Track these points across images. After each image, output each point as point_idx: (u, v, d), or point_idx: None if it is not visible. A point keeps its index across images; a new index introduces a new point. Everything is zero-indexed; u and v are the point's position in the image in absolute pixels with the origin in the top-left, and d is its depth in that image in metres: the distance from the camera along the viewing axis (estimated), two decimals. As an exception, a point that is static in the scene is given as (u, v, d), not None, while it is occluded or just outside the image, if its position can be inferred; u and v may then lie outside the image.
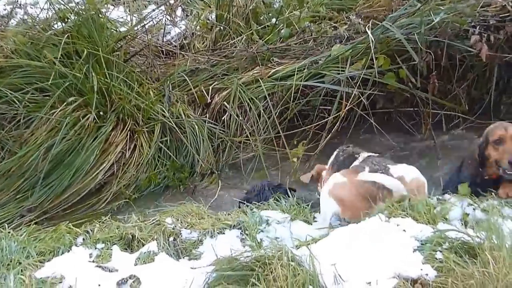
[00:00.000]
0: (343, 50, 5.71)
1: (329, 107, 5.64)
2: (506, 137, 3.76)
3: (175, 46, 6.80)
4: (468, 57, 5.65)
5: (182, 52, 6.56)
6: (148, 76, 6.18)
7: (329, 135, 5.45)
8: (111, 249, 3.64)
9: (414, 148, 5.67)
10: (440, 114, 5.77)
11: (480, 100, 5.94)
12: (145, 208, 4.98)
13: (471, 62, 5.73)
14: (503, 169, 3.75)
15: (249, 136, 5.72)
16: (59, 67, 5.38)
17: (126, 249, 3.69)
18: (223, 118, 5.83)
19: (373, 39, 5.36)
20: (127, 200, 5.23)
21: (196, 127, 5.66)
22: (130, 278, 3.29)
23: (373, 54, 5.35)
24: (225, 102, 5.84)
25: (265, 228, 3.77)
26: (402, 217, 3.32)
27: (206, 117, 5.83)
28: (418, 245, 3.05)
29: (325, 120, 5.56)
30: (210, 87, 5.95)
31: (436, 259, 2.95)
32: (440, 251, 2.98)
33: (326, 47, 5.98)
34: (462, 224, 3.42)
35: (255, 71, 5.96)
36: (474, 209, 3.57)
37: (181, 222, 3.96)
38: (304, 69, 5.73)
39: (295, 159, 5.37)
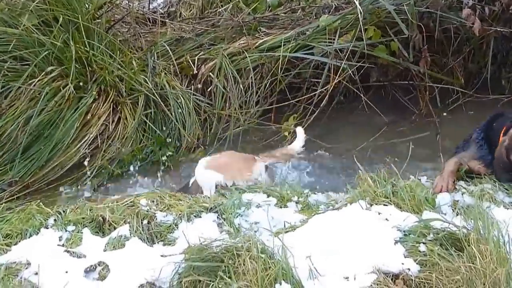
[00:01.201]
0: (331, 21, 5.49)
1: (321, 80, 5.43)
2: None
3: (162, 14, 6.55)
4: (463, 29, 5.43)
5: (166, 20, 6.31)
6: (131, 45, 5.93)
7: (318, 109, 5.29)
8: (82, 232, 3.47)
9: (412, 123, 5.48)
10: (437, 89, 5.56)
11: (479, 74, 5.72)
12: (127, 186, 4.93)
13: (466, 34, 5.49)
14: None
15: (237, 109, 5.50)
16: (37, 34, 5.15)
17: (97, 232, 3.51)
18: (209, 90, 5.61)
19: (361, 10, 5.12)
20: (110, 175, 5.09)
21: (182, 99, 5.45)
22: (99, 265, 3.19)
23: (361, 26, 5.14)
24: (211, 74, 5.61)
25: (244, 212, 3.55)
26: (384, 205, 3.13)
27: (191, 89, 5.60)
28: (400, 236, 2.89)
29: (314, 93, 5.38)
30: (196, 58, 5.71)
31: (420, 252, 2.80)
32: (424, 243, 2.83)
33: (315, 17, 5.78)
34: (453, 210, 3.25)
35: (241, 41, 5.73)
36: (462, 194, 3.40)
37: (157, 204, 3.74)
38: (291, 40, 5.51)
39: (286, 133, 5.25)
